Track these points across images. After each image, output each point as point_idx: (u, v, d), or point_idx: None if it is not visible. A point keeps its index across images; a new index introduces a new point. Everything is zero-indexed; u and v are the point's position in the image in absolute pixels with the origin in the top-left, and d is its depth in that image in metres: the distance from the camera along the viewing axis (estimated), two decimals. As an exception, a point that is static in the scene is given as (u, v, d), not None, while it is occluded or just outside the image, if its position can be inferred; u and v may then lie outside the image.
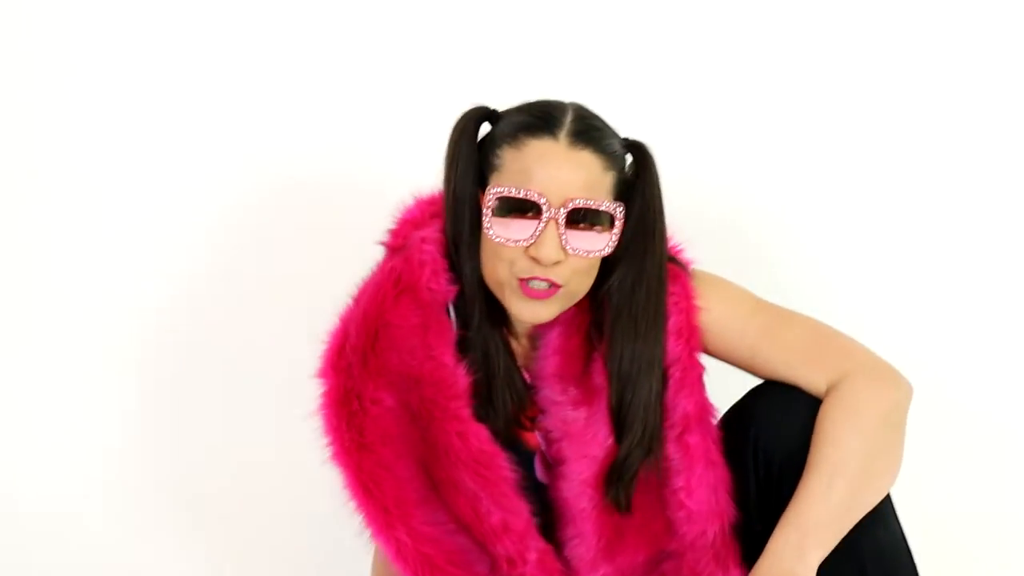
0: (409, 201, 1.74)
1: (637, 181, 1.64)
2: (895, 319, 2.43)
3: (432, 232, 1.66)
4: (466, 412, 1.63)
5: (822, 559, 1.53)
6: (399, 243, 1.68)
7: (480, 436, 1.63)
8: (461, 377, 1.63)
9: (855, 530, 1.57)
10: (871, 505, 1.58)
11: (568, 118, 1.58)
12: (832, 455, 1.56)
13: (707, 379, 1.70)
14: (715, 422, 1.71)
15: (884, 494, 1.60)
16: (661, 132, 1.82)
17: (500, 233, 1.57)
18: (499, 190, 1.56)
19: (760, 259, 2.38)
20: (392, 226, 1.72)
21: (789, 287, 2.16)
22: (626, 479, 1.66)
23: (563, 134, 1.56)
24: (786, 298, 1.75)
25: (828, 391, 1.62)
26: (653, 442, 1.66)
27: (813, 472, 1.56)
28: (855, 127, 2.44)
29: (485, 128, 1.66)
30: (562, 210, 1.55)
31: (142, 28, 2.39)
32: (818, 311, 1.74)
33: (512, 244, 1.57)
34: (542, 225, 1.55)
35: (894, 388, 1.61)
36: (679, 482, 1.67)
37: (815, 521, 1.53)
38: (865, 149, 2.44)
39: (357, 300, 1.66)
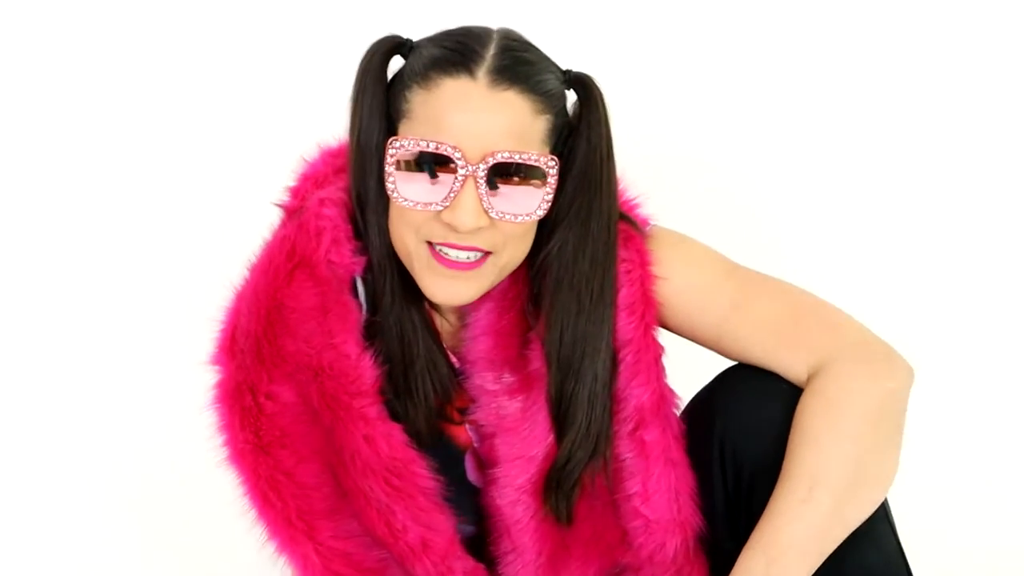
0: (314, 153, 1.47)
1: (580, 125, 1.37)
2: (878, 291, 2.25)
3: (334, 191, 1.39)
4: (374, 411, 1.37)
5: None
6: (297, 205, 1.42)
7: (392, 439, 1.38)
8: (367, 369, 1.37)
9: (839, 550, 1.31)
10: (858, 522, 1.32)
11: (490, 51, 1.30)
12: (810, 461, 1.30)
13: (669, 360, 1.45)
14: (677, 413, 1.46)
15: (874, 508, 1.33)
16: (623, 69, 1.57)
17: (406, 194, 1.31)
18: (404, 141, 1.29)
19: (735, 215, 2.15)
20: (291, 183, 1.45)
21: (762, 247, 1.90)
22: (567, 486, 1.41)
23: (483, 71, 1.28)
24: (757, 261, 1.48)
25: (809, 379, 1.36)
26: (600, 440, 1.40)
27: (787, 482, 1.31)
28: (840, 83, 2.29)
29: (398, 63, 1.38)
30: (482, 165, 1.28)
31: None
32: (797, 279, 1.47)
33: (422, 208, 1.31)
34: (458, 184, 1.28)
35: (888, 374, 1.34)
36: (633, 486, 1.42)
37: (788, 543, 1.28)
38: (851, 106, 2.31)
39: (250, 274, 1.40)
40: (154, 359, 2.33)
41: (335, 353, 1.36)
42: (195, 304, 1.72)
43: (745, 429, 1.38)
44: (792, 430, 1.33)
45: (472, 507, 1.45)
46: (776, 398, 1.37)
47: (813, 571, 1.29)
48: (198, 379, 1.42)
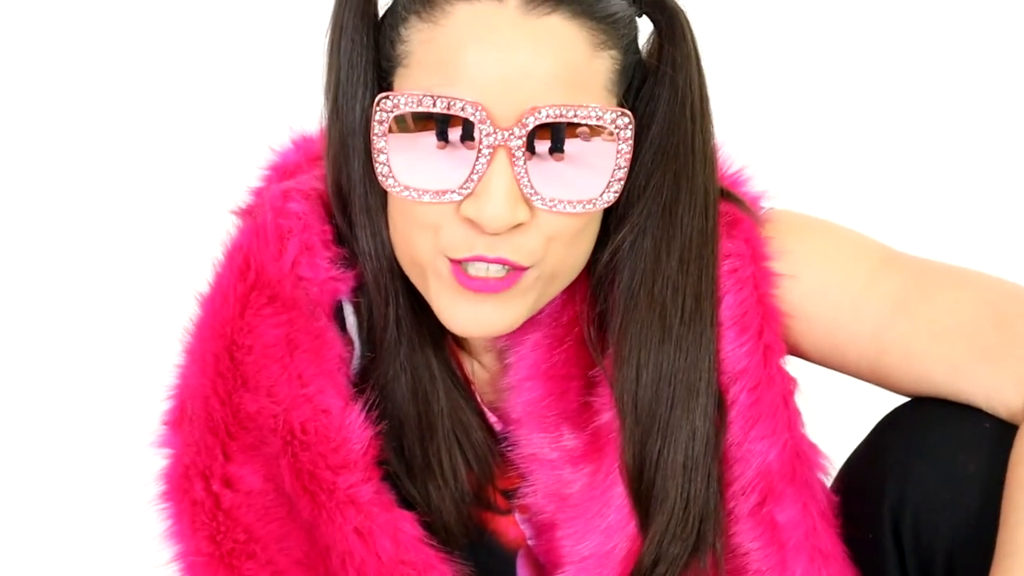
0: (286, 141, 1.09)
1: (660, 66, 0.97)
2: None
3: (305, 180, 1.02)
4: (367, 491, 0.97)
5: None
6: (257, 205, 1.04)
7: (400, 534, 0.98)
8: (356, 430, 0.97)
9: None
10: None
11: None
12: None
13: (806, 403, 1.04)
14: (826, 479, 1.04)
15: None
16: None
17: (407, 180, 0.91)
18: (399, 98, 0.90)
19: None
20: (256, 182, 1.08)
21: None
22: None
23: None
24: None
25: None
26: (704, 529, 1.00)
27: (1009, 562, 0.88)
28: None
29: None
30: (517, 130, 0.88)
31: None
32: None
33: (431, 199, 0.91)
34: (483, 160, 0.89)
35: None
36: None
37: None
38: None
39: (199, 312, 1.02)
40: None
41: (309, 409, 0.96)
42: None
43: (934, 495, 0.96)
44: (1009, 486, 0.90)
45: None
46: (978, 445, 0.95)
47: None
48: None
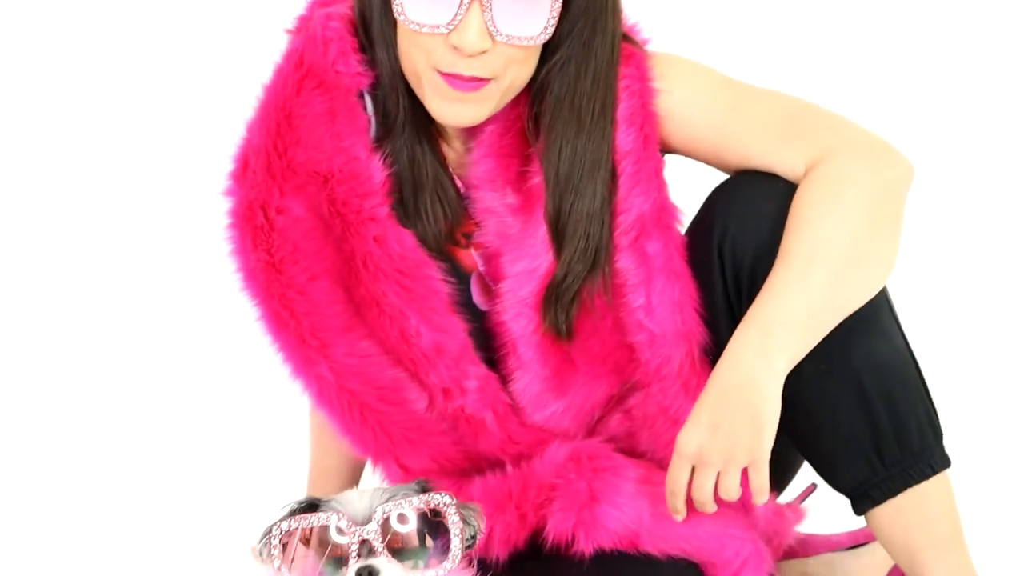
0: None
1: None
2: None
3: (340, 8, 1.44)
4: (384, 211, 1.41)
5: (792, 363, 1.30)
6: (304, 25, 1.46)
7: (403, 241, 1.42)
8: (376, 170, 1.41)
9: (845, 339, 1.33)
10: (857, 302, 1.33)
11: None
12: (807, 239, 1.31)
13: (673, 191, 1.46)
14: (680, 228, 1.47)
15: (874, 290, 1.35)
16: None
17: (413, 16, 1.34)
18: None
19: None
20: (301, 11, 1.49)
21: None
22: (566, 299, 1.42)
23: None
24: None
25: (807, 171, 1.37)
26: (598, 255, 1.42)
27: (783, 260, 1.32)
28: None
29: None
30: None
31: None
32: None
33: (428, 30, 1.34)
34: (464, 6, 1.32)
35: (887, 164, 1.35)
36: (636, 299, 1.43)
37: (783, 317, 1.29)
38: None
39: (261, 95, 1.43)
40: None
41: (344, 157, 1.40)
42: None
43: (743, 226, 1.38)
44: (789, 216, 1.34)
45: (480, 333, 1.47)
46: (774, 194, 1.37)
47: (808, 349, 1.30)
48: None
